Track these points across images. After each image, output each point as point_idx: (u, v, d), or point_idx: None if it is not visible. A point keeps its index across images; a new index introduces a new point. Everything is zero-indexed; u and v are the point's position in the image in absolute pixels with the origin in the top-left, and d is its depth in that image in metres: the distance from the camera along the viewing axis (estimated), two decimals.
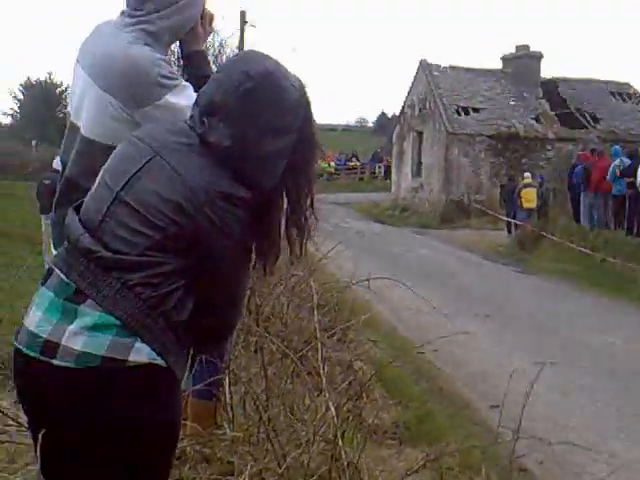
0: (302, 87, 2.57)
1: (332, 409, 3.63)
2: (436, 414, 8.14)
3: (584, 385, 10.01)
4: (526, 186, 27.74)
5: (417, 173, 38.79)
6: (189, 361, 2.59)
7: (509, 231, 27.53)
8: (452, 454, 6.21)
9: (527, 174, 28.99)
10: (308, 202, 2.60)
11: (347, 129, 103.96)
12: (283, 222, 2.56)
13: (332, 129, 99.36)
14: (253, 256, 2.56)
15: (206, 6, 3.49)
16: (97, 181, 2.55)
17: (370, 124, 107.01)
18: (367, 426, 7.05)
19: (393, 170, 43.16)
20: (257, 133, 2.47)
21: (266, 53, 2.57)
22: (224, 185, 2.41)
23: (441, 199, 35.41)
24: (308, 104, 2.59)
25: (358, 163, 63.88)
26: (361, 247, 21.88)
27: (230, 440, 3.68)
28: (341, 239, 14.30)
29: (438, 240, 27.90)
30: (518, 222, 26.56)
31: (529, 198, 27.32)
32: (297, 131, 2.53)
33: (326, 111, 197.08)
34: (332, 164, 63.46)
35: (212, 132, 2.46)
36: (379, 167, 60.88)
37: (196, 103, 2.55)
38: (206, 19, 3.51)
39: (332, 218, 27.39)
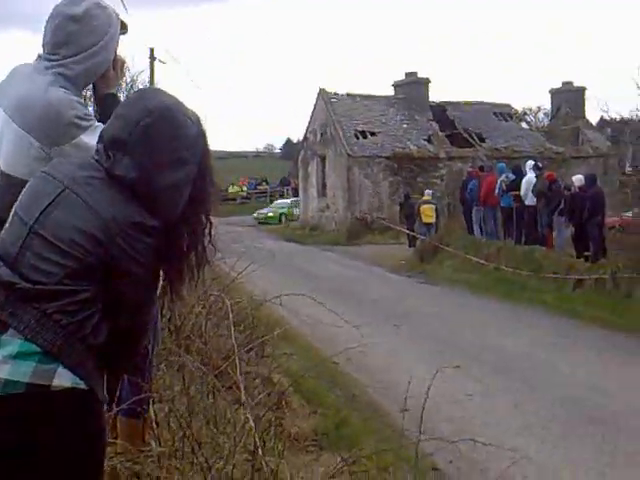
0: (199, 121, 2.59)
1: (250, 420, 3.54)
2: (351, 420, 8.09)
3: (487, 386, 10.08)
4: (425, 203, 28.10)
5: (322, 194, 38.97)
6: (115, 382, 2.52)
7: (410, 245, 27.77)
8: (368, 457, 6.13)
9: (427, 192, 29.39)
10: (207, 230, 2.60)
11: (257, 155, 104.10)
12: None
13: (244, 156, 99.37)
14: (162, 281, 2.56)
15: (118, 52, 3.49)
16: (11, 216, 2.50)
17: (277, 150, 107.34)
18: (288, 435, 7.00)
19: (300, 192, 43.28)
20: (159, 165, 2.45)
21: (164, 89, 2.60)
22: (134, 215, 2.39)
23: (346, 217, 35.61)
24: (205, 138, 2.59)
25: (268, 187, 63.99)
26: (274, 266, 21.77)
27: (157, 456, 3.58)
28: (255, 259, 14.24)
29: (346, 256, 27.99)
30: (420, 236, 26.84)
31: (428, 214, 27.68)
32: (197, 163, 2.52)
33: (237, 139, 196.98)
34: (244, 188, 63.42)
35: (118, 165, 2.44)
36: (287, 190, 61.02)
37: (100, 138, 2.53)
38: (118, 64, 3.52)
39: (246, 239, 27.30)
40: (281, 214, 48.87)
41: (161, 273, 2.56)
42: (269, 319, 9.67)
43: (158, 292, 3.53)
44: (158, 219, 2.42)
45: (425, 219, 27.52)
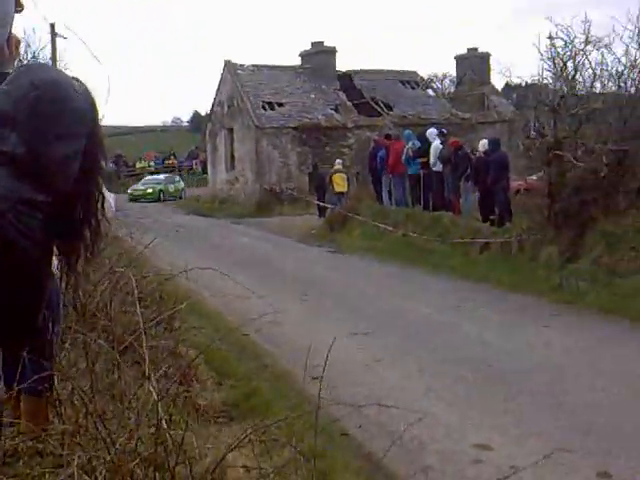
0: (88, 94, 2.56)
1: (154, 394, 3.59)
2: (262, 390, 8.17)
3: (394, 351, 10.30)
4: (336, 172, 28.23)
5: (231, 167, 38.79)
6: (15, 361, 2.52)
7: (320, 215, 27.92)
8: (278, 426, 6.22)
9: (338, 161, 29.52)
10: (99, 204, 2.60)
11: (165, 129, 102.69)
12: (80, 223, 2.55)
13: (151, 130, 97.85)
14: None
15: (13, 31, 3.44)
16: None
17: (185, 123, 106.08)
18: (196, 407, 7.06)
19: (209, 165, 43.00)
20: (48, 139, 2.44)
21: (50, 64, 2.57)
22: (24, 191, 2.38)
23: (255, 189, 35.57)
24: (95, 110, 2.58)
25: (176, 161, 63.33)
26: (183, 239, 21.75)
27: (60, 433, 3.60)
28: (163, 233, 14.18)
29: (255, 228, 28.01)
30: (329, 206, 26.99)
31: (340, 183, 27.82)
32: (86, 136, 2.51)
33: (143, 114, 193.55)
34: (152, 163, 62.64)
35: (5, 142, 2.41)
36: (196, 163, 60.52)
37: None
38: (12, 42, 3.46)
39: (154, 214, 27.01)
40: (160, 190, 47.13)
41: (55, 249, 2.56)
42: (177, 294, 9.65)
43: (58, 268, 3.55)
44: (49, 194, 2.41)
45: (337, 188, 27.67)
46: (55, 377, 3.91)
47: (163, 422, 3.56)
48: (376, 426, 7.35)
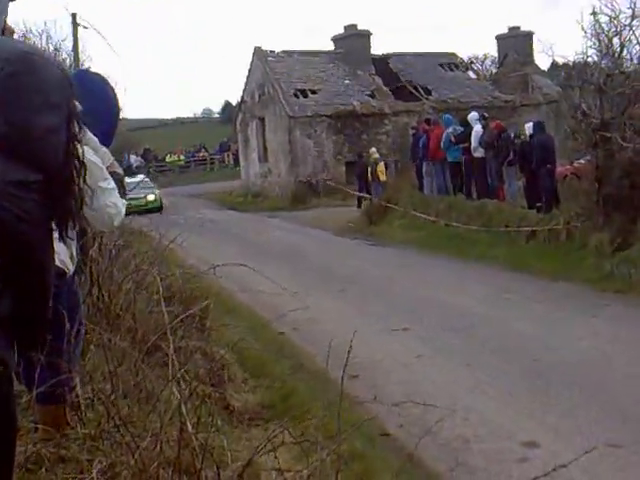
0: (61, 65, 2.58)
1: (176, 394, 3.60)
2: (299, 391, 8.18)
3: (436, 347, 10.26)
4: (379, 160, 28.11)
5: (264, 158, 38.85)
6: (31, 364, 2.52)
7: (359, 206, 27.80)
8: (315, 426, 6.22)
9: (373, 149, 29.41)
10: (82, 178, 2.60)
11: (195, 121, 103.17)
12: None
13: (180, 122, 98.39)
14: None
15: (7, 21, 3.45)
16: None
17: (216, 114, 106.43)
18: (231, 409, 7.09)
19: (241, 157, 43.10)
20: (28, 114, 2.42)
21: (15, 37, 2.58)
22: (13, 173, 2.35)
23: (290, 181, 35.58)
24: (71, 81, 2.58)
25: (207, 154, 63.60)
26: (215, 235, 21.86)
27: (82, 438, 3.63)
28: (194, 229, 14.25)
29: (290, 221, 28.04)
30: (367, 196, 26.90)
31: (383, 171, 27.72)
32: (67, 105, 2.52)
33: (173, 106, 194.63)
34: (182, 157, 63.00)
35: None
36: (228, 156, 60.75)
37: None
38: (7, 33, 3.48)
39: (187, 210, 27.21)
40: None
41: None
42: (208, 291, 9.71)
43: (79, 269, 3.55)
44: (41, 172, 2.40)
45: (381, 177, 27.57)
46: (76, 380, 3.93)
47: (188, 424, 3.56)
48: (418, 426, 7.30)
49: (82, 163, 2.60)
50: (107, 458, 3.30)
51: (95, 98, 3.92)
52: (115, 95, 4.46)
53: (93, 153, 3.69)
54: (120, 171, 4.30)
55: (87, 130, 3.39)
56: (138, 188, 31.26)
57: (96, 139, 3.81)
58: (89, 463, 3.56)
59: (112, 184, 3.91)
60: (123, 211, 4.08)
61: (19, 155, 2.39)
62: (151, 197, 34.56)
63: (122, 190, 4.09)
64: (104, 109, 4.12)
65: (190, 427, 3.62)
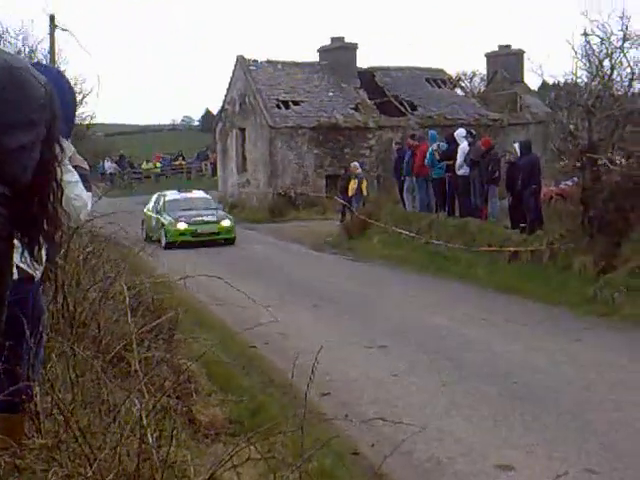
0: (47, 83, 2.56)
1: (137, 408, 3.57)
2: (268, 406, 8.16)
3: (413, 366, 10.25)
4: (360, 176, 28.14)
5: (243, 169, 38.82)
6: None
7: (342, 220, 27.71)
8: (284, 444, 6.20)
9: (355, 163, 29.41)
10: (58, 196, 2.60)
11: (174, 128, 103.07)
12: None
13: (158, 129, 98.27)
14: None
15: None
16: None
17: (196, 122, 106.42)
18: (197, 423, 7.05)
19: (219, 167, 43.03)
20: (6, 127, 2.42)
21: (7, 49, 2.57)
22: None
23: (268, 193, 35.58)
24: (54, 100, 2.57)
25: (184, 162, 63.50)
26: (188, 246, 21.80)
27: (39, 448, 3.59)
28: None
29: (267, 234, 28.03)
30: (352, 210, 26.93)
31: (354, 187, 27.77)
32: (45, 126, 2.51)
33: (152, 112, 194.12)
34: (158, 165, 62.87)
35: None
36: (205, 165, 60.66)
37: None
38: None
39: None
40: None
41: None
42: (178, 302, 9.67)
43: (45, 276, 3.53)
44: (8, 186, 2.40)
45: (364, 191, 27.60)
46: (35, 389, 3.89)
47: (149, 437, 3.54)
48: (390, 445, 7.26)
49: (59, 186, 2.60)
50: (64, 469, 3.27)
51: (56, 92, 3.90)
52: (71, 87, 4.45)
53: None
54: (85, 166, 4.28)
55: None
56: (201, 209, 25.84)
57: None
58: (45, 474, 3.52)
59: (76, 177, 3.91)
60: (89, 204, 4.07)
61: None
62: (226, 223, 25.75)
63: (87, 184, 4.09)
64: (60, 101, 4.09)
65: (151, 440, 3.59)
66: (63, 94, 4.33)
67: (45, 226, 2.57)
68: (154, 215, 27.30)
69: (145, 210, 28.21)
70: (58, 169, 2.60)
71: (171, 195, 28.48)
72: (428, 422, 7.92)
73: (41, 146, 2.50)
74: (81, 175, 4.11)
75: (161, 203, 27.67)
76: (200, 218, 25.92)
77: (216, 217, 26.24)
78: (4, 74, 2.44)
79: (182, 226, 25.53)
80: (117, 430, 3.81)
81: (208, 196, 28.92)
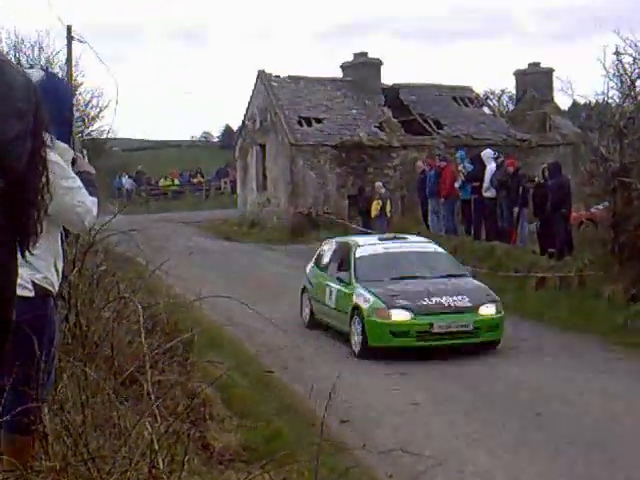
0: (25, 73, 2.63)
1: (148, 432, 3.59)
2: (285, 433, 8.18)
3: (434, 394, 10.24)
4: (385, 196, 28.12)
5: (263, 187, 38.87)
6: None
7: None
8: (299, 472, 6.21)
9: (379, 183, 29.40)
10: (45, 185, 2.63)
11: (193, 145, 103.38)
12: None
13: (176, 145, 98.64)
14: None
15: None
16: None
17: (215, 138, 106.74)
18: (210, 449, 7.07)
19: (238, 185, 43.10)
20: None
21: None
22: None
23: (289, 212, 35.61)
24: (37, 89, 2.63)
25: (203, 180, 63.64)
26: (208, 266, 21.87)
27: (46, 471, 3.62)
28: (187, 259, 14.27)
29: (288, 255, 28.00)
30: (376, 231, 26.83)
31: (378, 208, 27.75)
32: (33, 115, 2.56)
33: (170, 127, 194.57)
34: (176, 181, 63.05)
35: None
36: (225, 182, 60.79)
37: None
38: None
39: (178, 237, 27.21)
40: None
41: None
42: (195, 323, 9.71)
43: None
44: (2, 177, 2.45)
45: (388, 213, 27.58)
46: (44, 410, 3.92)
47: (160, 462, 3.55)
48: (408, 476, 7.28)
49: (47, 176, 2.64)
50: None
51: (48, 94, 3.92)
52: (69, 90, 4.48)
53: (51, 151, 3.69)
54: (91, 170, 4.30)
55: None
56: (435, 277, 14.36)
57: (52, 136, 3.78)
58: None
59: (77, 183, 3.92)
60: (95, 210, 4.08)
61: None
62: (489, 310, 13.37)
63: (94, 189, 4.10)
64: (59, 105, 4.11)
65: (162, 465, 3.61)
66: (63, 98, 4.38)
67: (35, 218, 2.60)
68: (332, 284, 14.84)
69: (308, 270, 16.81)
70: (46, 159, 2.64)
71: (366, 245, 15.64)
72: (448, 453, 7.92)
73: (30, 135, 2.55)
74: (88, 180, 4.14)
75: (348, 260, 14.97)
76: (438, 300, 13.30)
77: (469, 299, 13.49)
78: None
79: (401, 316, 12.96)
80: (127, 454, 3.83)
81: (440, 249, 16.14)
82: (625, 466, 7.60)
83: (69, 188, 3.88)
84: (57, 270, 4.15)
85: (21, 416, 3.59)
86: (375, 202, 27.87)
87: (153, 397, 4.65)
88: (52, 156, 3.58)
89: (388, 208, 27.75)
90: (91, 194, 4.05)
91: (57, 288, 4.17)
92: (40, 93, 2.65)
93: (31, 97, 2.58)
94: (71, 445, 3.75)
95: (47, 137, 2.71)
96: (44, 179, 2.62)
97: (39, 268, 3.88)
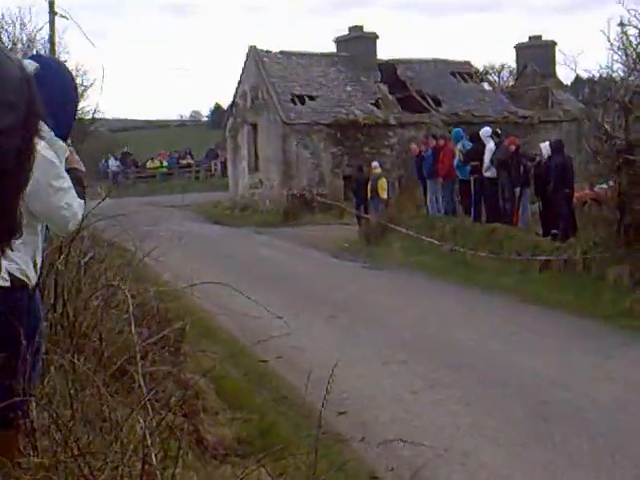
0: (21, 63, 2.59)
1: (140, 426, 3.61)
2: (280, 425, 8.20)
3: (434, 383, 10.26)
4: (381, 175, 28.04)
5: (255, 168, 38.84)
6: None
7: (360, 224, 27.61)
8: (296, 466, 6.24)
9: (375, 163, 29.28)
10: (28, 177, 2.62)
11: (182, 124, 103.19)
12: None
13: (164, 125, 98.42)
14: None
15: None
16: None
17: (205, 118, 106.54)
18: (204, 442, 7.09)
19: (229, 166, 43.06)
20: None
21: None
22: None
23: (282, 195, 35.59)
24: (31, 81, 2.60)
25: (192, 161, 63.55)
26: (199, 251, 21.88)
27: (34, 467, 3.63)
28: (177, 244, 14.29)
29: (281, 239, 28.03)
30: (369, 215, 26.81)
31: (385, 187, 27.66)
32: (23, 109, 2.53)
33: (158, 106, 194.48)
34: (164, 163, 62.94)
35: None
36: (215, 164, 60.73)
37: None
38: None
39: (167, 222, 27.24)
40: None
41: None
42: (186, 312, 9.72)
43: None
44: None
45: (382, 194, 27.48)
46: (31, 404, 3.93)
47: (153, 457, 3.57)
48: (410, 468, 7.30)
49: (30, 171, 2.63)
50: None
51: (50, 85, 3.87)
52: (74, 82, 4.43)
53: (47, 148, 3.67)
54: (82, 167, 4.27)
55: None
56: None
57: (51, 132, 3.75)
58: None
59: (67, 183, 3.89)
60: (80, 214, 4.05)
61: None
62: None
63: (81, 189, 4.07)
64: (61, 98, 4.05)
65: (155, 460, 3.63)
66: (66, 90, 4.33)
67: (17, 215, 2.59)
68: None
69: None
70: (33, 154, 2.62)
71: None
72: (450, 444, 7.95)
73: (20, 130, 2.52)
74: (77, 178, 4.11)
75: None
76: None
77: None
78: None
79: None
80: (119, 450, 3.84)
81: None
82: (633, 454, 7.64)
83: (58, 188, 3.86)
84: (35, 264, 4.15)
85: (6, 411, 3.59)
86: (381, 181, 27.65)
87: (145, 389, 4.66)
88: (47, 153, 3.57)
89: (384, 188, 27.67)
90: (79, 195, 4.01)
91: (34, 281, 4.16)
92: (34, 86, 2.63)
93: (24, 89, 2.55)
94: (60, 440, 3.76)
95: (45, 132, 2.69)
96: (28, 175, 2.62)
97: (15, 259, 3.87)
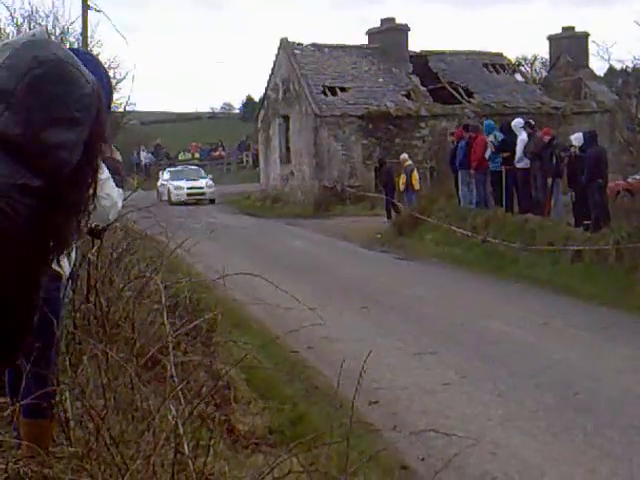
0: (94, 82, 2.58)
1: (173, 413, 3.62)
2: (312, 415, 8.20)
3: (466, 374, 10.23)
4: (412, 167, 28.06)
5: (286, 160, 38.89)
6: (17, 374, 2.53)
7: (389, 217, 27.71)
8: (328, 456, 6.23)
9: (404, 155, 29.28)
10: (90, 194, 2.62)
11: (213, 116, 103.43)
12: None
13: (196, 118, 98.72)
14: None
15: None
16: None
17: (237, 110, 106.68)
18: (236, 432, 7.11)
19: (261, 158, 43.15)
20: (48, 122, 2.45)
21: (56, 41, 2.60)
22: (17, 176, 2.39)
23: (313, 186, 35.61)
24: (100, 101, 2.59)
25: (224, 153, 63.76)
26: (230, 243, 21.94)
27: (68, 457, 3.65)
28: (209, 236, 14.33)
29: (312, 230, 28.07)
30: (399, 207, 26.85)
31: (417, 178, 27.70)
32: (89, 127, 2.53)
33: (190, 99, 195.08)
34: (196, 155, 63.18)
35: None
36: (247, 156, 60.89)
37: None
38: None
39: (199, 214, 27.28)
40: None
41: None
42: (218, 303, 9.75)
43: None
44: (42, 179, 2.43)
45: (416, 185, 27.53)
46: (65, 394, 3.95)
47: (185, 446, 3.58)
48: (441, 459, 7.27)
49: (95, 193, 2.63)
50: (94, 478, 3.32)
51: None
52: (108, 76, 4.45)
53: None
54: (118, 157, 4.28)
55: None
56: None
57: None
58: None
59: (106, 173, 3.90)
60: (120, 203, 4.06)
61: (26, 158, 2.42)
62: None
63: (120, 178, 4.08)
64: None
65: (187, 450, 3.64)
66: (102, 83, 4.35)
67: (71, 229, 2.59)
68: None
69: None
70: (95, 175, 2.63)
71: None
72: (482, 435, 7.92)
73: (82, 148, 2.52)
74: (114, 168, 4.12)
75: None
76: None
77: None
78: (52, 67, 2.47)
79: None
80: (151, 439, 3.85)
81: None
82: None
83: (97, 178, 3.87)
84: (69, 254, 4.17)
85: (40, 400, 3.61)
86: (402, 176, 27.80)
87: (176, 379, 4.68)
88: None
89: (416, 180, 27.67)
90: (117, 184, 4.02)
91: (67, 272, 4.18)
92: (104, 100, 2.63)
93: (91, 107, 2.55)
94: (93, 430, 3.78)
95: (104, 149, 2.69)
96: (90, 191, 2.62)
97: None
